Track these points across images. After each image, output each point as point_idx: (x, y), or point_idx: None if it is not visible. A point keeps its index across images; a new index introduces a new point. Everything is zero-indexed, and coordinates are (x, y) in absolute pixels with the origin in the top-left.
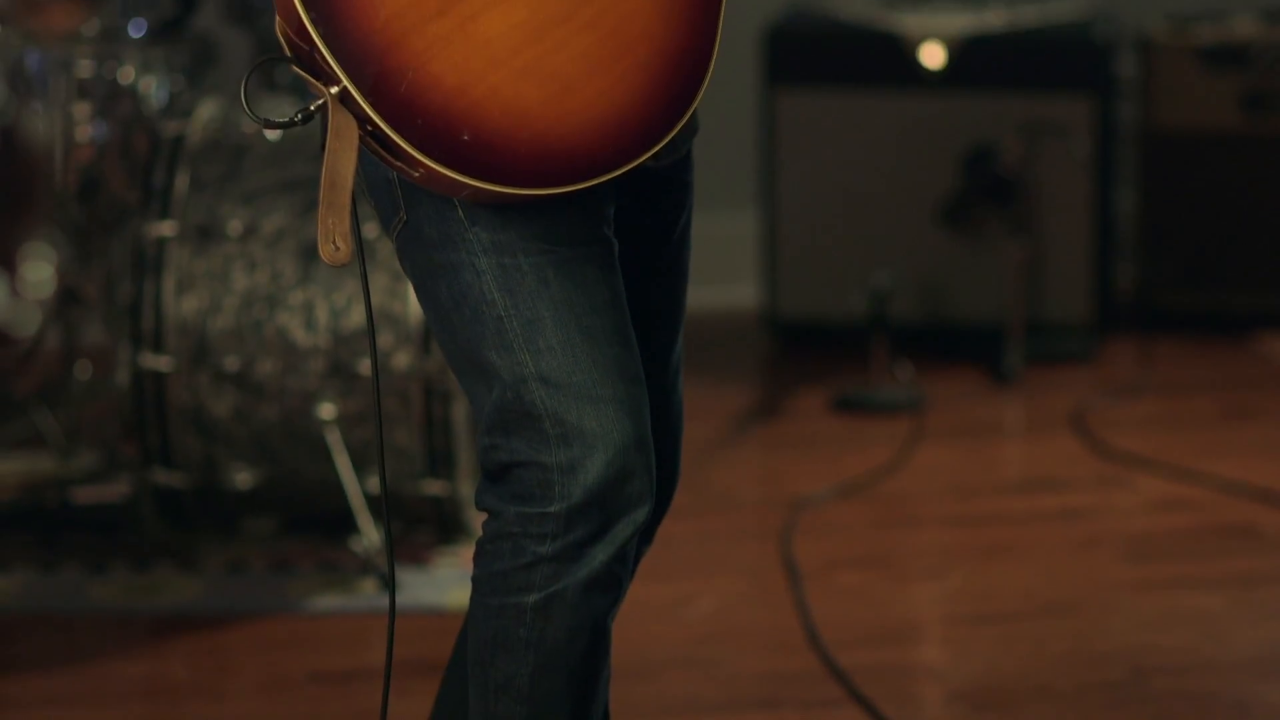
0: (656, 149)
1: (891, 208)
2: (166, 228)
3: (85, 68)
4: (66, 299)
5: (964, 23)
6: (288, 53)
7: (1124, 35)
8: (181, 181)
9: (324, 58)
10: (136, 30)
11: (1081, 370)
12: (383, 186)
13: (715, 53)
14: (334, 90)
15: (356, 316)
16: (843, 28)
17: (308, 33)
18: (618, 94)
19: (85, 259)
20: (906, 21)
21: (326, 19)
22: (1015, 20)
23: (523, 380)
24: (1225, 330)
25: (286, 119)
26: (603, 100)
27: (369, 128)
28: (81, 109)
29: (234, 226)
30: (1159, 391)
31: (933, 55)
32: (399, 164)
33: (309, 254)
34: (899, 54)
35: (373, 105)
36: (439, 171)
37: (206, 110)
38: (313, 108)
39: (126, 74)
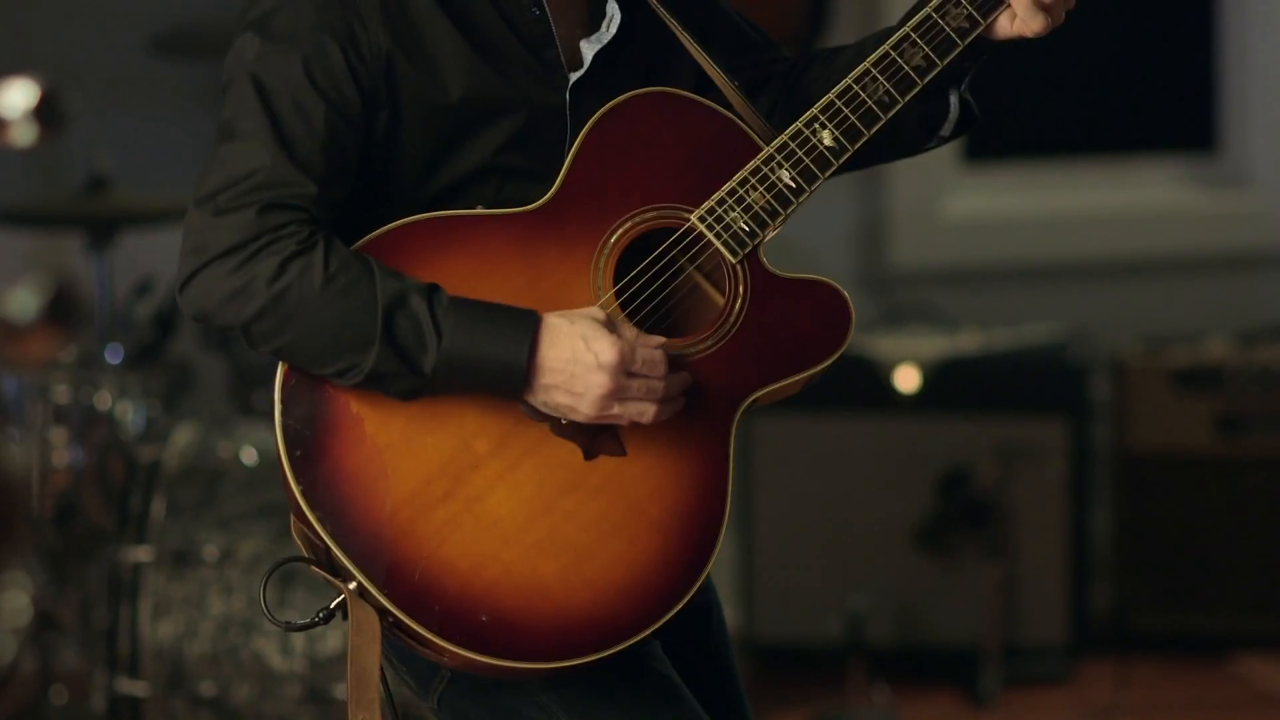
0: (681, 606)
1: (867, 531)
2: (142, 553)
3: (62, 393)
4: (42, 624)
5: (938, 346)
6: (306, 553)
7: (1097, 358)
8: (158, 506)
9: (336, 555)
10: (114, 356)
11: (1058, 692)
12: (419, 652)
13: (729, 504)
14: (351, 586)
15: (333, 641)
16: None
17: (317, 531)
18: (634, 557)
19: (61, 584)
20: (880, 346)
21: (333, 516)
22: (989, 344)
23: None
24: (1202, 652)
25: (308, 620)
26: (620, 565)
27: (389, 619)
28: (58, 435)
29: (210, 551)
30: (1136, 713)
31: (907, 379)
32: (426, 651)
33: (285, 579)
34: (873, 378)
35: (388, 596)
36: (463, 655)
37: (183, 435)
38: (333, 605)
39: (103, 400)
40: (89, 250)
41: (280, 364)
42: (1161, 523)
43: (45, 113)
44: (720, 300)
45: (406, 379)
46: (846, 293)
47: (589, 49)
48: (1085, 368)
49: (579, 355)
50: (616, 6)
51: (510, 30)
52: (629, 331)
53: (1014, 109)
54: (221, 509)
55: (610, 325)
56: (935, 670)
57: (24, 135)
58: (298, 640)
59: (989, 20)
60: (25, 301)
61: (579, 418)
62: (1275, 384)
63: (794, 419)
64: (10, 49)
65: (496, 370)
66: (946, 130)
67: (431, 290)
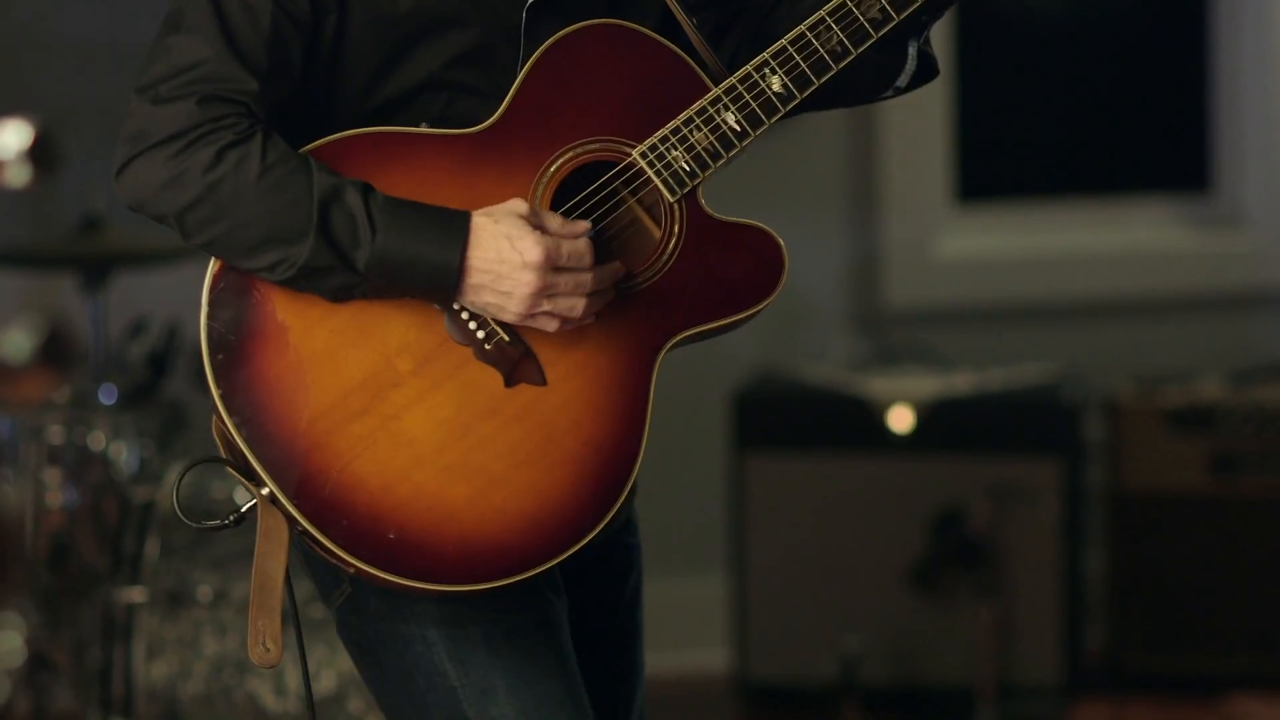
0: (587, 540)
1: (861, 571)
2: (136, 594)
3: (56, 434)
4: (36, 665)
5: (931, 387)
6: (224, 454)
7: (1091, 398)
8: (152, 547)
9: (250, 460)
10: (107, 397)
11: None
12: (324, 561)
13: (644, 442)
14: (264, 492)
15: (327, 682)
16: (811, 392)
17: (233, 436)
18: (546, 487)
19: (55, 625)
20: (874, 386)
21: (250, 422)
22: (982, 384)
23: None
24: (1197, 692)
25: (218, 521)
26: (530, 494)
27: (298, 529)
28: (52, 475)
29: (204, 592)
30: None
31: (901, 419)
32: (333, 561)
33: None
34: (867, 418)
35: (297, 507)
36: (367, 571)
37: (177, 476)
38: (244, 509)
39: (97, 440)
40: (83, 291)
41: (210, 266)
42: (1156, 563)
43: (39, 153)
44: (659, 235)
45: (339, 274)
46: (782, 241)
47: None
48: (1079, 408)
49: (504, 254)
50: None
51: None
52: (554, 223)
53: (1007, 149)
54: (215, 550)
55: (535, 219)
56: (929, 711)
57: (18, 176)
58: (291, 681)
59: None
60: (19, 342)
61: (508, 317)
62: (1269, 424)
63: (787, 458)
64: (4, 90)
65: (429, 269)
66: (903, 82)
67: (367, 188)
